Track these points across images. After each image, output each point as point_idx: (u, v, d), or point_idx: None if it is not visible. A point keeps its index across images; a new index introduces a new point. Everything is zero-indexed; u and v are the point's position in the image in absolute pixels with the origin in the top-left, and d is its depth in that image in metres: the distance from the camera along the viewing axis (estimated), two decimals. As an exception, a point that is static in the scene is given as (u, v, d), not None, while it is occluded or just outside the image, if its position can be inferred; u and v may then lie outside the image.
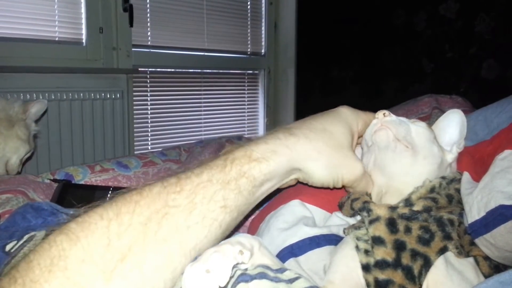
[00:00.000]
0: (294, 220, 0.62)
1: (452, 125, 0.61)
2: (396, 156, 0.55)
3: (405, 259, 0.49)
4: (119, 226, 0.42)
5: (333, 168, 0.56)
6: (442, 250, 0.49)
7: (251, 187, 0.50)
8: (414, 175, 0.55)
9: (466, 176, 0.56)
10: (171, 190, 0.46)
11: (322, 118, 0.58)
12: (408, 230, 0.51)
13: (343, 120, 0.59)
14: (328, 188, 0.58)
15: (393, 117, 0.57)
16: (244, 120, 3.00)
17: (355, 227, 0.56)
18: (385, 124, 0.56)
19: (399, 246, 0.50)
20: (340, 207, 0.62)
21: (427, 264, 0.48)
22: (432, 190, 0.54)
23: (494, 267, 0.50)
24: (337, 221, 0.63)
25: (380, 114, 0.58)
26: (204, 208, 0.46)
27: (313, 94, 2.74)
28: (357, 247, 0.53)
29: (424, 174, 0.55)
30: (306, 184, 0.59)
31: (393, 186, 0.56)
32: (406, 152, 0.55)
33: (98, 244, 0.41)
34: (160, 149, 1.44)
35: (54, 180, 1.12)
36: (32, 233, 0.63)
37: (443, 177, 0.56)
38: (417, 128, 0.57)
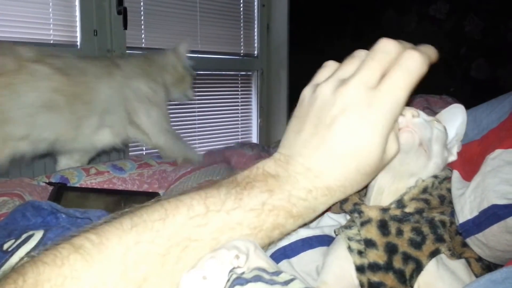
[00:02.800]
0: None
1: (454, 120, 0.60)
2: (412, 160, 0.53)
3: (397, 263, 0.49)
4: (137, 255, 0.40)
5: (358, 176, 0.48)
6: (434, 253, 0.49)
7: (281, 236, 0.48)
8: (419, 177, 0.54)
9: (456, 175, 0.56)
10: (196, 223, 0.43)
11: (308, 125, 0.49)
12: (400, 232, 0.50)
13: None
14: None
15: (421, 118, 0.53)
16: (238, 120, 3.01)
17: (346, 226, 0.56)
18: (412, 127, 0.52)
19: (391, 249, 0.50)
20: None
21: (418, 268, 0.48)
22: (424, 190, 0.53)
23: (486, 267, 0.50)
24: (329, 222, 0.63)
25: (408, 114, 0.52)
26: None
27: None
28: (349, 248, 0.53)
29: (426, 176, 0.54)
30: None
31: (394, 186, 0.55)
32: (423, 157, 0.53)
33: (113, 271, 0.39)
34: (155, 154, 1.44)
35: (50, 183, 1.12)
36: (31, 233, 0.63)
37: (435, 176, 0.55)
38: (437, 133, 0.54)
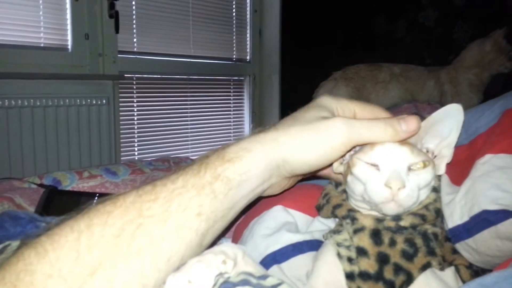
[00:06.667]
0: (277, 226, 0.62)
1: (447, 120, 0.55)
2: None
3: (388, 273, 0.49)
4: (89, 239, 0.40)
5: (311, 142, 0.51)
6: (425, 267, 0.49)
7: (227, 190, 0.48)
8: None
9: (445, 179, 0.56)
10: (146, 199, 0.44)
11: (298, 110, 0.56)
12: (393, 243, 0.50)
13: (316, 103, 0.55)
14: (318, 169, 0.55)
15: (407, 189, 0.50)
16: (230, 125, 3.01)
17: (334, 231, 0.56)
18: (397, 200, 0.50)
19: (383, 259, 0.50)
20: (318, 209, 0.62)
21: (409, 280, 0.48)
22: (424, 206, 0.53)
23: (475, 274, 0.50)
24: (319, 226, 0.63)
25: (394, 186, 0.49)
26: (179, 217, 0.44)
27: (298, 99, 2.78)
28: (338, 254, 0.52)
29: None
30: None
31: None
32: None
33: (66, 258, 0.39)
34: (149, 159, 1.44)
35: (41, 185, 1.11)
36: (7, 243, 0.62)
37: (436, 190, 0.55)
38: (424, 182, 0.52)
